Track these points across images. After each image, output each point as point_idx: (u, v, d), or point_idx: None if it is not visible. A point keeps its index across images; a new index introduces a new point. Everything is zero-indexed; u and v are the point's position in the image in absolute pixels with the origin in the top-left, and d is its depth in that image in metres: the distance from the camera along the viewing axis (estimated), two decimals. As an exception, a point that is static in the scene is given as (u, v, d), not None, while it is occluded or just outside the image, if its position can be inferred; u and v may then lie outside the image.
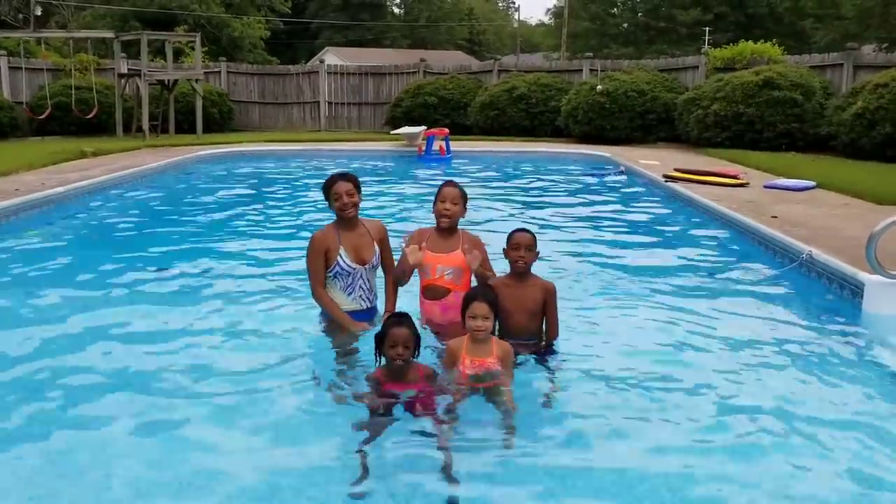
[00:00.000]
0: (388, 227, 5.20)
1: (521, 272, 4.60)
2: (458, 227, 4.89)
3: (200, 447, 3.58)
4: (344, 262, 4.77)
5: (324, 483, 3.28)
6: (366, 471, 3.29)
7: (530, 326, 4.60)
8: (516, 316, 4.54)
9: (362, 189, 4.95)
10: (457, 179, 5.20)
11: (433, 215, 4.86)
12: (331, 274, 4.81)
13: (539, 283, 4.66)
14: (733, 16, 49.59)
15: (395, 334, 3.82)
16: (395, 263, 5.01)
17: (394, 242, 5.16)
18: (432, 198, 4.97)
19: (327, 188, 4.84)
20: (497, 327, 4.53)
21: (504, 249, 4.65)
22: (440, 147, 16.97)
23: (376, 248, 4.91)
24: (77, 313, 5.52)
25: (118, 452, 3.52)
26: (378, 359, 3.97)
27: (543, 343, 4.64)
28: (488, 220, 8.96)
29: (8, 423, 3.82)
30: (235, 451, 3.53)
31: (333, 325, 4.86)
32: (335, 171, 5.09)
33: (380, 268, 5.01)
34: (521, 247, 4.56)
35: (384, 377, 3.92)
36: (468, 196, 4.94)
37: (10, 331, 5.15)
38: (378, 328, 4.55)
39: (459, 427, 3.69)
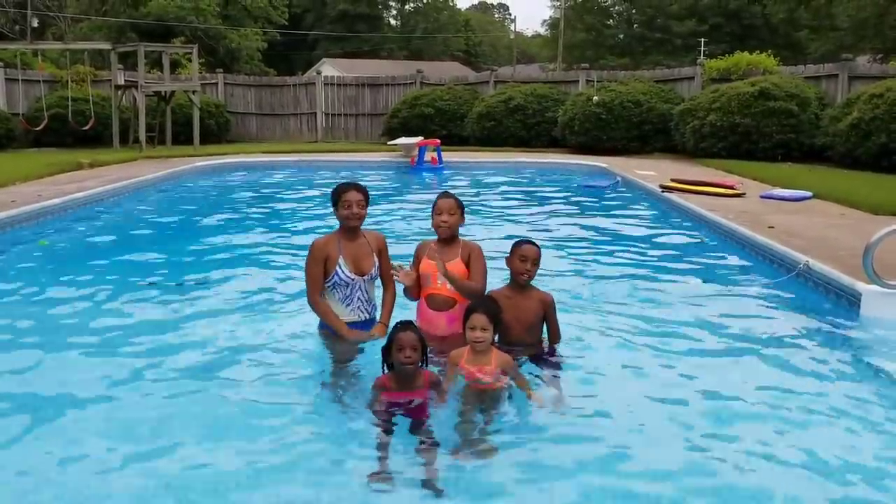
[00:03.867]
0: (381, 232, 5.19)
1: (522, 284, 4.59)
2: (460, 236, 4.87)
3: (202, 456, 3.56)
4: (343, 271, 4.75)
5: (325, 489, 3.28)
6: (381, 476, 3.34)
7: (528, 338, 4.60)
8: (514, 328, 4.54)
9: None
10: (451, 189, 5.20)
11: (433, 228, 4.83)
12: (329, 284, 4.79)
13: (538, 295, 4.66)
14: (728, 27, 49.86)
15: (403, 338, 3.85)
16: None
17: (392, 251, 5.15)
18: (424, 208, 4.97)
19: (338, 194, 4.80)
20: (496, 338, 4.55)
21: (507, 258, 4.64)
22: (432, 157, 17.02)
23: (375, 259, 4.89)
24: (73, 324, 5.50)
25: (116, 460, 3.49)
26: (385, 369, 3.98)
27: (545, 349, 4.64)
28: (482, 230, 8.96)
29: (9, 431, 3.81)
30: (236, 460, 3.52)
31: (333, 335, 4.83)
32: (347, 179, 5.08)
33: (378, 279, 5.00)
34: (529, 260, 4.54)
35: (391, 384, 3.94)
36: (464, 205, 4.93)
37: (7, 340, 5.12)
38: (376, 336, 4.61)
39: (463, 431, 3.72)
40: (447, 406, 3.93)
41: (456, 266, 4.68)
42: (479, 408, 3.93)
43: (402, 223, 9.52)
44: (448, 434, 3.69)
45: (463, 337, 4.18)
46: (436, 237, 4.84)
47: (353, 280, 4.79)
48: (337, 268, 4.75)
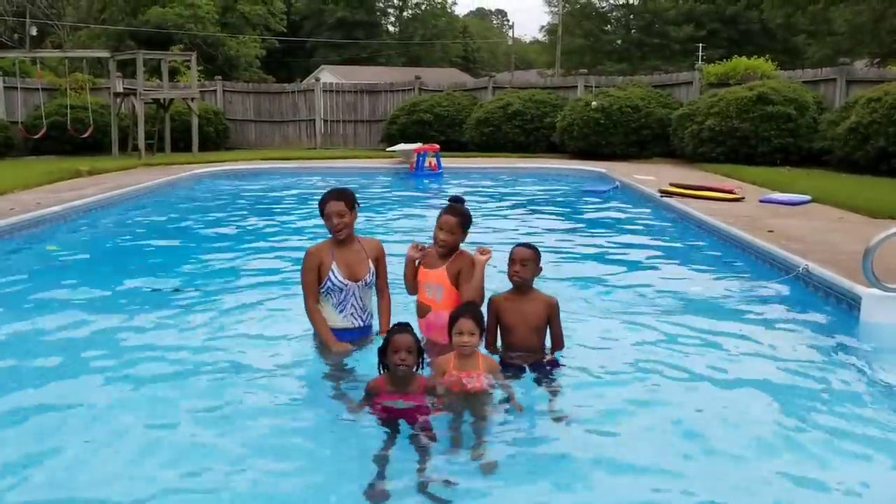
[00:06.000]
0: (379, 240, 5.19)
1: (518, 287, 4.60)
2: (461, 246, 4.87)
3: (196, 464, 3.54)
4: (336, 277, 4.75)
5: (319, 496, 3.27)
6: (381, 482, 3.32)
7: (533, 341, 4.60)
8: (519, 330, 4.56)
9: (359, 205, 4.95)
10: (449, 193, 5.19)
11: (431, 237, 4.83)
12: (323, 290, 4.79)
13: (541, 297, 4.67)
14: (726, 32, 49.99)
15: (398, 340, 3.84)
16: (388, 286, 5.05)
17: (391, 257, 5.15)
18: (422, 213, 4.97)
19: (320, 206, 4.82)
20: (499, 341, 4.55)
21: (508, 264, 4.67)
22: (430, 163, 17.04)
23: (371, 266, 4.88)
24: (72, 332, 5.49)
25: (115, 472, 3.48)
26: (381, 370, 3.97)
27: (548, 355, 4.63)
28: (481, 236, 8.95)
29: (9, 439, 3.80)
30: (234, 467, 3.50)
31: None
32: (332, 187, 5.06)
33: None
34: (517, 262, 4.57)
35: (385, 386, 3.92)
36: (472, 219, 4.89)
37: (7, 348, 5.12)
38: (367, 345, 4.66)
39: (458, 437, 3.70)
40: (440, 412, 3.91)
41: (438, 274, 4.71)
42: (469, 412, 3.92)
43: (401, 229, 9.51)
44: (442, 438, 3.69)
45: (438, 344, 4.21)
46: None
47: (346, 286, 4.78)
48: (330, 273, 4.75)
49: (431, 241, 4.85)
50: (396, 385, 3.90)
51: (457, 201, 4.90)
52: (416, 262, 4.83)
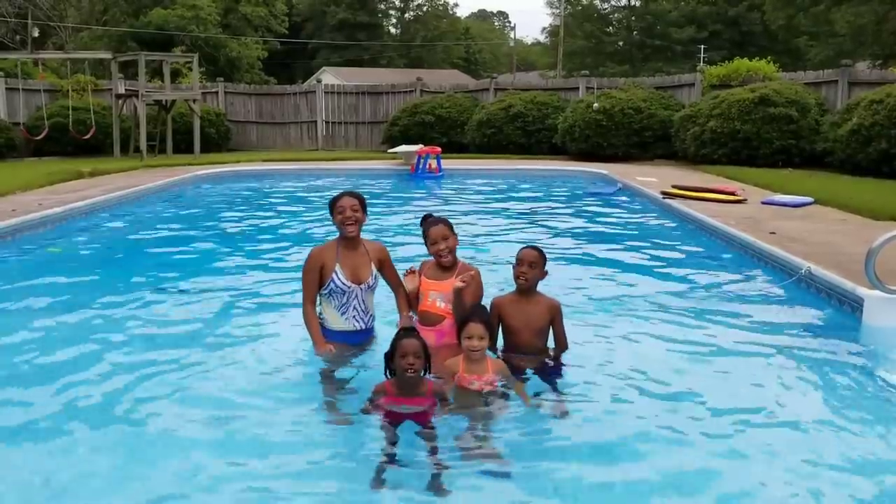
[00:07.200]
0: (382, 243, 5.19)
1: (523, 289, 4.60)
2: (459, 258, 4.86)
3: (197, 467, 3.53)
4: (339, 279, 4.75)
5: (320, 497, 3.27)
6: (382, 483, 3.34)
7: (536, 343, 4.60)
8: (523, 333, 4.56)
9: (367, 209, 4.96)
10: (451, 196, 5.20)
11: (432, 255, 4.80)
12: (325, 291, 4.79)
13: (545, 300, 4.66)
14: (728, 33, 50.08)
15: (406, 345, 3.83)
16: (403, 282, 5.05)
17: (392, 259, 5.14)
18: (421, 215, 4.97)
19: (333, 203, 4.84)
20: (502, 343, 4.55)
21: (513, 266, 4.66)
22: (429, 165, 17.05)
23: (374, 268, 4.88)
24: (73, 334, 5.49)
25: (115, 474, 3.47)
26: (388, 374, 3.97)
27: (552, 357, 4.63)
28: (482, 239, 8.96)
29: (8, 439, 3.80)
30: (236, 469, 3.50)
31: (330, 340, 4.81)
32: (339, 189, 5.07)
33: (379, 288, 4.99)
34: (524, 263, 4.57)
35: (392, 390, 3.92)
36: (451, 222, 4.87)
37: (8, 350, 5.12)
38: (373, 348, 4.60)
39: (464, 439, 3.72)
40: (448, 414, 3.91)
41: (448, 285, 4.68)
42: (479, 413, 3.93)
43: (402, 230, 9.51)
44: (450, 441, 3.69)
45: (453, 347, 4.20)
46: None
47: (349, 288, 4.78)
48: (333, 275, 4.75)
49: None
50: (403, 389, 3.90)
51: (429, 216, 4.93)
52: (417, 286, 4.82)
